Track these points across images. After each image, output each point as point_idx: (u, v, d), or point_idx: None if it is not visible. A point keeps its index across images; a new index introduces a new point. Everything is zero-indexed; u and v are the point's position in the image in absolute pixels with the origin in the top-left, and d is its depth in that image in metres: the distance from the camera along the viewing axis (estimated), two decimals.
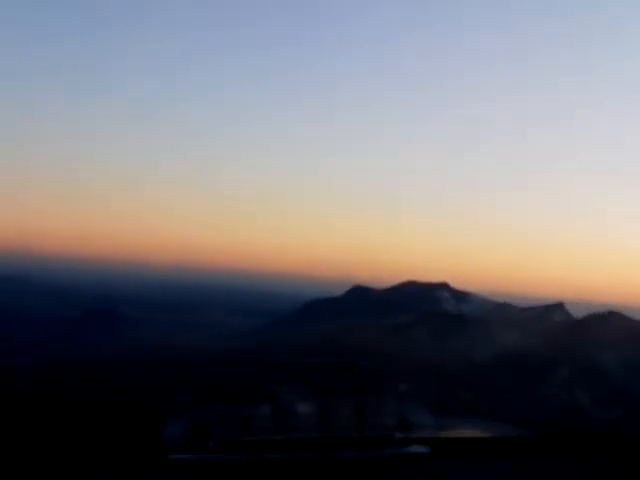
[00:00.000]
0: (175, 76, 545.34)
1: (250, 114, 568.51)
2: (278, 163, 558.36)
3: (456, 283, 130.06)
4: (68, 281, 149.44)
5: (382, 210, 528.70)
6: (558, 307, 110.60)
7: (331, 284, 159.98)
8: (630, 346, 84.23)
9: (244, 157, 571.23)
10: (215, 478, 5.91)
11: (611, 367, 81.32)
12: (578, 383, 73.58)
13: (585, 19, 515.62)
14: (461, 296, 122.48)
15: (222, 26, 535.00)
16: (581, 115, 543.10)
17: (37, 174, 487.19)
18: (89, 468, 6.52)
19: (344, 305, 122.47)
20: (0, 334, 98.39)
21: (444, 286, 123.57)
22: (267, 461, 5.94)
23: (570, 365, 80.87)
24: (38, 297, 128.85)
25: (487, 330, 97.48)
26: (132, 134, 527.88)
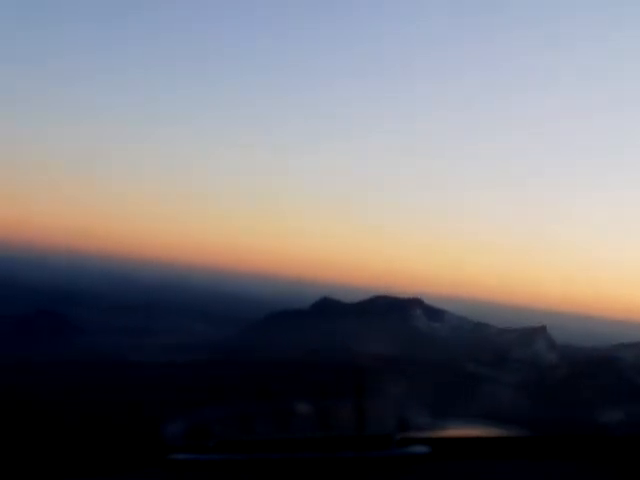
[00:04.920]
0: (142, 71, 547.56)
1: (220, 109, 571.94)
2: (257, 161, 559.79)
3: (431, 299, 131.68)
4: (14, 274, 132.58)
5: (360, 216, 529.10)
6: (540, 331, 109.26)
7: (299, 293, 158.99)
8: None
9: (220, 153, 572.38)
10: (215, 478, 5.86)
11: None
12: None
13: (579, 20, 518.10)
14: (435, 314, 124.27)
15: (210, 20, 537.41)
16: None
17: None
18: (88, 468, 6.47)
19: (310, 319, 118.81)
20: None
21: (418, 302, 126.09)
22: (267, 461, 5.89)
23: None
24: None
25: (454, 358, 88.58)
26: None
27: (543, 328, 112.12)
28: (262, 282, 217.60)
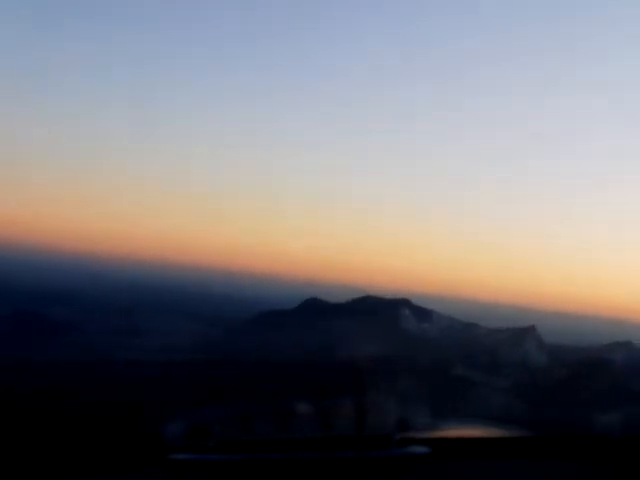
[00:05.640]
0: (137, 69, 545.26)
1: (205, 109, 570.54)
2: (247, 161, 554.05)
3: (419, 299, 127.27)
4: (3, 275, 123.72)
5: (349, 215, 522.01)
6: (529, 331, 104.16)
7: (287, 292, 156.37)
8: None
9: (216, 153, 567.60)
10: (215, 478, 5.88)
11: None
12: None
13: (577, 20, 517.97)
14: (423, 314, 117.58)
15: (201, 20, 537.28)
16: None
17: None
18: (88, 468, 6.48)
19: (296, 319, 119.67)
20: None
21: (405, 302, 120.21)
22: (267, 461, 5.93)
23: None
24: None
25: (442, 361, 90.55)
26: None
27: (532, 328, 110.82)
28: (250, 282, 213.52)
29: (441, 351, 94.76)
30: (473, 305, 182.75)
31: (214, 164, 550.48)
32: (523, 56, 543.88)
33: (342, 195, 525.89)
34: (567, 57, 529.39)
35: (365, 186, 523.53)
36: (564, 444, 6.93)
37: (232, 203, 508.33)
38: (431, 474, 6.57)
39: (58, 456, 7.57)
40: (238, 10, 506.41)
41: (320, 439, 6.61)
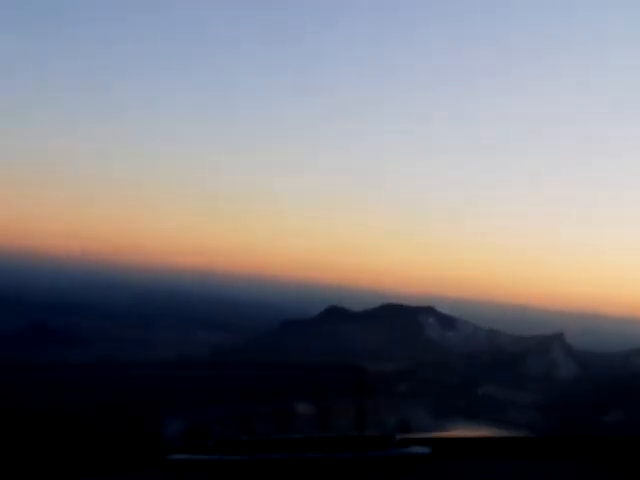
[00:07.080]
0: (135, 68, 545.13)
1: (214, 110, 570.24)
2: (259, 161, 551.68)
3: (442, 305, 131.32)
4: (9, 283, 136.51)
5: (367, 221, 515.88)
6: (557, 339, 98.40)
7: (305, 299, 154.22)
8: None
9: (221, 153, 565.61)
10: (215, 478, 5.88)
11: None
12: None
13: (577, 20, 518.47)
14: (448, 322, 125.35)
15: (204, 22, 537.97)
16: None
17: None
18: (88, 468, 6.48)
19: (317, 329, 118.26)
20: None
21: (429, 310, 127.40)
22: (267, 461, 5.92)
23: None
24: None
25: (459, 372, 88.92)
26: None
27: (560, 335, 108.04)
28: (266, 288, 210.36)
29: (463, 361, 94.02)
30: (496, 309, 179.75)
31: (227, 165, 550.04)
32: (523, 54, 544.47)
33: (360, 198, 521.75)
34: (567, 55, 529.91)
35: (383, 187, 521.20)
36: (564, 444, 6.93)
37: (248, 205, 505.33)
38: (432, 474, 6.57)
39: (58, 456, 7.57)
40: (237, 10, 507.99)
41: (320, 439, 6.61)
